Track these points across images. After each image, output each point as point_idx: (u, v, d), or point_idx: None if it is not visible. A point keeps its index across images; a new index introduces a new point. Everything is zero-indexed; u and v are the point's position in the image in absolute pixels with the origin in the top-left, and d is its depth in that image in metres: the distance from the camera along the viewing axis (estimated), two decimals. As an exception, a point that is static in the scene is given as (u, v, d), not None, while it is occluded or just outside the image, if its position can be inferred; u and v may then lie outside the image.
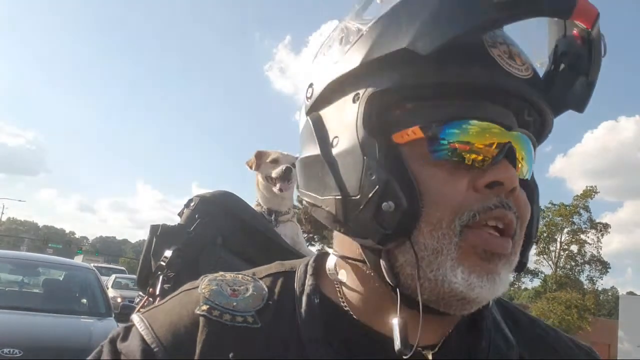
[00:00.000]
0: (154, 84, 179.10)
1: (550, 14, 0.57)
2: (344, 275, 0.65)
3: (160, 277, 1.74)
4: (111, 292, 12.52)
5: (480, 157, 0.55)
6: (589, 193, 29.05)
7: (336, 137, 0.60)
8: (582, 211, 29.05)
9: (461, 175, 0.55)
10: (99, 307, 6.16)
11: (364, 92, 0.58)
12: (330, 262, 0.67)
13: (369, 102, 0.57)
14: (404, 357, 0.55)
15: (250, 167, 2.47)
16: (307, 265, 0.69)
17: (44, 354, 4.68)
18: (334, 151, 0.60)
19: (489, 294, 0.55)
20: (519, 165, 0.58)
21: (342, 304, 0.64)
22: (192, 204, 1.90)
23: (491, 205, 0.54)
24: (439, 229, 0.54)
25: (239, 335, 0.59)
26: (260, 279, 0.68)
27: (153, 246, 1.84)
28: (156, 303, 0.67)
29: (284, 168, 2.34)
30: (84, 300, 6.35)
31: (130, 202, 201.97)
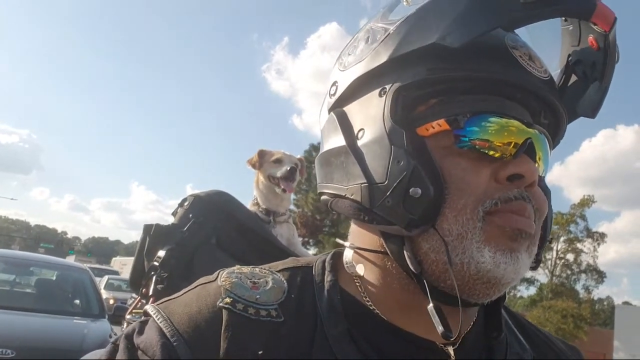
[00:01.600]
0: (150, 85, 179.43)
1: (574, 14, 0.59)
2: (361, 269, 0.65)
3: (154, 278, 1.74)
4: (104, 294, 12.41)
5: (501, 150, 0.57)
6: (586, 202, 29.16)
7: (362, 129, 0.62)
8: (578, 220, 29.13)
9: (484, 166, 0.57)
10: (92, 308, 6.11)
11: (390, 87, 0.60)
12: (347, 255, 0.67)
13: (395, 96, 0.59)
14: (450, 339, 0.56)
15: (253, 166, 2.45)
16: (324, 261, 0.69)
17: (37, 354, 4.63)
18: (360, 142, 0.62)
19: (513, 272, 0.56)
20: (537, 162, 0.59)
21: (364, 299, 0.64)
22: (186, 204, 1.90)
23: (512, 196, 0.56)
24: (463, 214, 0.55)
25: (265, 331, 0.58)
26: (277, 272, 0.67)
27: (146, 246, 1.83)
28: (170, 296, 0.64)
29: (288, 168, 2.32)
30: (77, 301, 6.31)
31: (123, 203, 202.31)
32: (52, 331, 5.18)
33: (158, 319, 0.59)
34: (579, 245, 29.45)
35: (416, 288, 0.59)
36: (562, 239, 29.51)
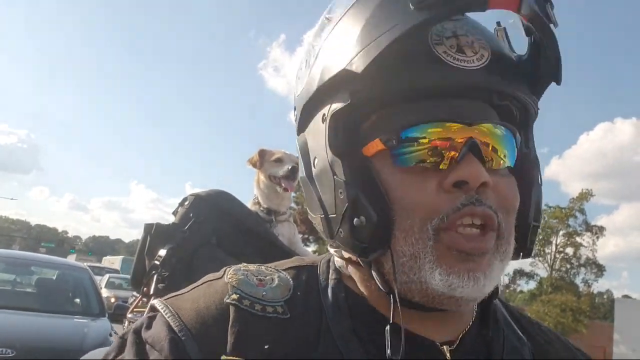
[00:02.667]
0: (148, 83, 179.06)
1: (466, 9, 0.57)
2: (353, 272, 0.66)
3: (155, 277, 1.74)
4: (104, 292, 12.42)
5: (442, 159, 0.56)
6: (585, 196, 29.18)
7: (315, 157, 0.63)
8: (577, 214, 29.15)
9: (429, 179, 0.56)
10: (92, 307, 6.11)
11: (327, 112, 0.60)
12: (338, 260, 0.68)
13: (332, 121, 0.59)
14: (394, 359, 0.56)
15: (254, 165, 2.44)
16: (328, 260, 0.70)
17: (37, 354, 4.63)
18: (314, 172, 0.64)
19: (473, 293, 0.55)
20: (495, 156, 0.58)
21: (365, 299, 0.64)
22: (186, 203, 1.89)
23: (459, 205, 0.55)
24: (412, 234, 0.55)
25: (271, 327, 0.58)
26: (283, 270, 0.67)
27: (147, 245, 1.83)
28: (177, 292, 0.65)
29: (289, 167, 2.31)
30: (77, 300, 6.31)
31: (123, 202, 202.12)
32: (53, 330, 5.19)
33: (166, 314, 0.59)
34: (578, 239, 29.48)
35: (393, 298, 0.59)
36: (561, 232, 29.57)
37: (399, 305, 0.57)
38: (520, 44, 0.63)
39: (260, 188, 2.39)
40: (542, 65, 0.61)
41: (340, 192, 0.58)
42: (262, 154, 2.44)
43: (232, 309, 0.59)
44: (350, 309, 0.62)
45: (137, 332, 0.59)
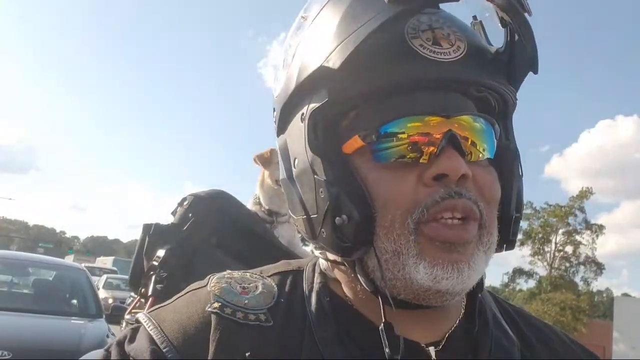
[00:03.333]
0: (146, 82, 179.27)
1: (440, 0, 0.57)
2: (338, 275, 0.66)
3: (153, 277, 1.73)
4: (102, 293, 12.45)
5: (421, 153, 0.56)
6: (585, 194, 29.25)
7: (295, 158, 0.63)
8: (577, 212, 29.25)
9: (408, 173, 0.56)
10: (89, 308, 6.10)
11: (306, 111, 0.60)
12: (323, 263, 0.68)
13: (311, 120, 0.59)
14: (395, 358, 0.56)
15: (262, 163, 2.36)
16: (314, 264, 0.69)
17: (34, 355, 4.61)
18: (295, 172, 0.63)
19: (459, 284, 0.55)
20: (474, 149, 0.57)
21: (350, 302, 0.64)
22: (185, 203, 1.89)
23: (438, 198, 0.54)
24: (393, 230, 0.55)
25: (252, 334, 0.58)
26: (268, 277, 0.67)
27: (145, 246, 1.83)
28: (162, 303, 0.66)
29: None
30: (75, 301, 6.30)
31: (122, 201, 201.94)
32: (50, 332, 5.18)
33: (149, 327, 0.60)
34: (577, 237, 29.58)
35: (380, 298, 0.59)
36: (560, 231, 29.66)
37: (382, 305, 0.58)
38: (497, 38, 0.63)
39: (264, 189, 2.35)
40: (518, 55, 0.61)
41: (321, 192, 0.58)
42: (273, 154, 2.40)
43: (213, 317, 0.59)
44: (335, 314, 0.62)
45: (120, 345, 0.60)
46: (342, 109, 0.59)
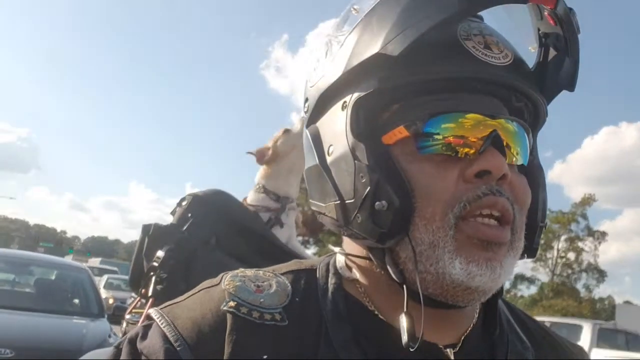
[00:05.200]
0: (148, 83, 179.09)
1: (505, 0, 0.58)
2: (356, 273, 0.65)
3: (153, 278, 1.73)
4: (103, 293, 12.40)
5: (466, 149, 0.57)
6: (587, 201, 29.22)
7: (331, 145, 0.63)
8: (579, 219, 29.16)
9: (451, 168, 0.56)
10: (91, 307, 6.10)
11: (350, 99, 0.60)
12: (340, 260, 0.68)
13: (355, 108, 0.60)
14: (411, 349, 0.56)
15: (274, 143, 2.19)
16: (327, 264, 0.69)
17: (36, 354, 4.63)
18: (330, 159, 0.63)
19: (490, 282, 0.55)
20: (509, 152, 0.58)
21: (366, 303, 0.63)
22: (184, 203, 1.89)
23: (480, 194, 0.55)
24: (433, 222, 0.55)
25: (269, 335, 0.58)
26: (281, 274, 0.66)
27: (145, 246, 1.83)
28: (174, 300, 0.64)
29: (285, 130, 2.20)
30: (76, 301, 6.31)
31: (123, 202, 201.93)
32: (51, 331, 5.19)
33: (162, 324, 0.58)
34: (580, 244, 29.50)
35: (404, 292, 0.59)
36: (563, 237, 29.58)
37: (406, 298, 0.57)
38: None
39: (269, 171, 2.18)
40: (551, 74, 0.63)
41: (362, 176, 0.58)
42: (287, 134, 2.21)
43: (229, 317, 0.58)
44: (350, 315, 0.61)
45: (132, 342, 0.59)
46: (387, 101, 0.59)
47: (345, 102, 0.61)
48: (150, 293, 1.70)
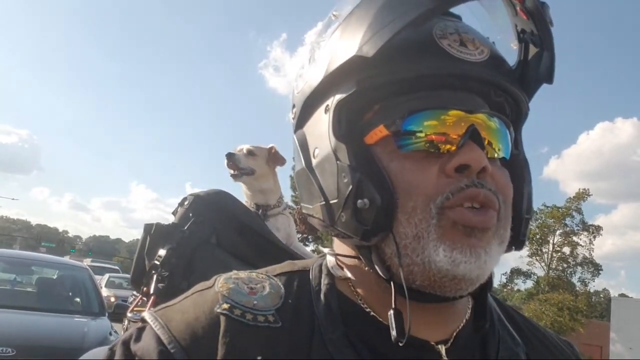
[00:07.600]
0: (147, 84, 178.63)
1: None
2: (347, 273, 0.66)
3: (155, 277, 1.75)
4: (105, 292, 12.39)
5: (444, 145, 0.58)
6: (582, 195, 29.15)
7: (316, 148, 0.65)
8: (574, 213, 29.14)
9: (431, 163, 0.57)
10: (92, 306, 6.12)
11: (331, 102, 0.62)
12: (331, 260, 0.68)
13: (337, 111, 0.61)
14: (400, 344, 0.56)
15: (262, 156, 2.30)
16: (320, 265, 0.69)
17: (37, 353, 4.63)
18: (315, 162, 0.65)
19: (476, 269, 0.56)
20: (489, 147, 0.59)
21: (359, 302, 0.64)
22: (186, 203, 1.90)
23: (463, 186, 0.56)
24: (415, 215, 0.56)
25: (262, 336, 0.58)
26: (274, 276, 0.67)
27: (147, 245, 1.84)
28: (167, 303, 0.64)
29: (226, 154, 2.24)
30: (78, 300, 6.31)
31: (124, 201, 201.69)
32: (53, 329, 5.19)
33: (155, 326, 0.58)
34: (575, 238, 29.43)
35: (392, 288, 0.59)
36: (558, 232, 29.52)
37: (393, 294, 0.58)
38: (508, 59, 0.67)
39: (247, 189, 2.31)
40: (532, 70, 0.64)
41: (344, 176, 0.59)
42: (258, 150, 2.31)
43: (222, 319, 0.58)
44: (343, 315, 0.62)
45: (125, 344, 0.59)
46: (367, 102, 0.60)
47: (327, 105, 0.62)
48: (151, 291, 1.72)
